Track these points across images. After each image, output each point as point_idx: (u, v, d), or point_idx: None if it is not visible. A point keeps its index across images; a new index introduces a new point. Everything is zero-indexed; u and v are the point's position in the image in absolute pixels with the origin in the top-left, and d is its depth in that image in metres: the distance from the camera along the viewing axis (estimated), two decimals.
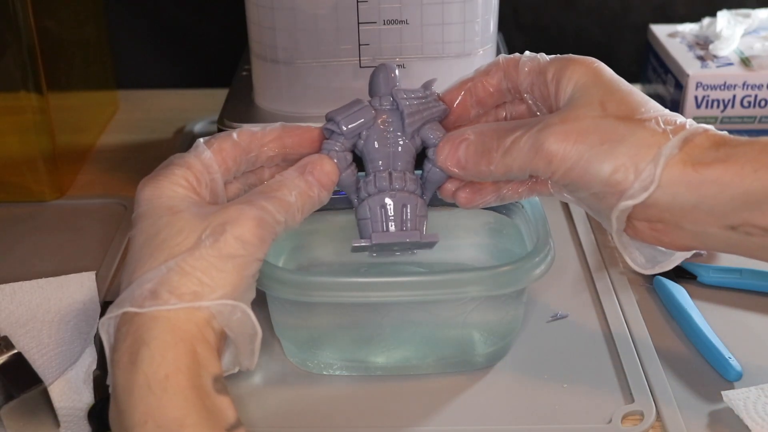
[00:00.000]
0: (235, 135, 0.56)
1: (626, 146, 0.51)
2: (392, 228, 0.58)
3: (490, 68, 0.59)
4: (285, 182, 0.54)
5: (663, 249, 0.56)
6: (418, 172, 0.59)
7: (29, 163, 0.86)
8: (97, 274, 0.74)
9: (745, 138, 0.51)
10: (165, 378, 0.45)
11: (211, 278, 0.48)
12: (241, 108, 0.83)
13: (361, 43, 0.76)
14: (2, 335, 0.64)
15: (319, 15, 0.75)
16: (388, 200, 0.58)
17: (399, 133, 0.58)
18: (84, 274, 0.73)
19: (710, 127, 0.52)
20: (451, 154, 0.56)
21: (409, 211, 0.58)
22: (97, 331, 0.64)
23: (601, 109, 0.52)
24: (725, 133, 0.52)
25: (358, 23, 0.75)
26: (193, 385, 0.45)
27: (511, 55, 0.58)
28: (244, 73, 0.88)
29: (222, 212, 0.50)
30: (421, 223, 0.59)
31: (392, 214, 0.58)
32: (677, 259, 0.56)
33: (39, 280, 0.72)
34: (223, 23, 1.12)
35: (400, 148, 0.58)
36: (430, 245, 0.59)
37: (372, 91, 0.59)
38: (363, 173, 0.59)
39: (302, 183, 0.54)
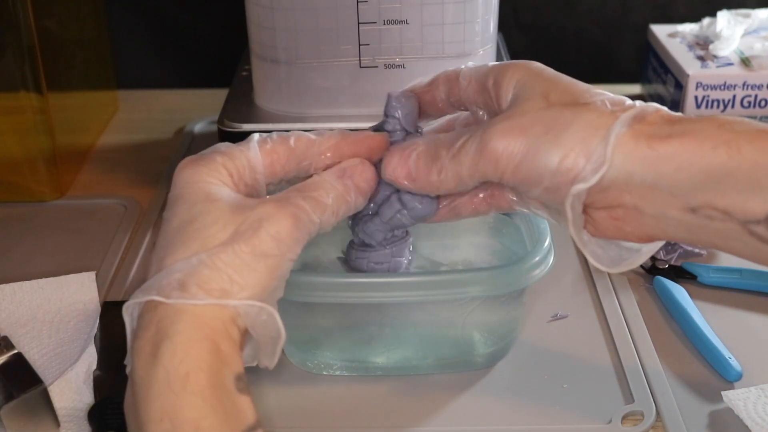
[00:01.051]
0: (292, 141, 0.54)
1: (573, 131, 0.48)
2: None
3: (432, 81, 0.57)
4: (323, 184, 0.52)
5: (628, 245, 0.52)
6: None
7: (29, 163, 0.86)
8: (97, 274, 0.74)
9: (698, 117, 0.49)
10: (185, 375, 0.44)
11: (242, 276, 0.47)
12: (241, 108, 0.83)
13: (361, 43, 0.76)
14: (2, 335, 0.64)
15: (319, 15, 0.75)
16: (383, 257, 0.59)
17: None
18: (84, 274, 0.73)
19: (662, 107, 0.50)
20: (400, 165, 0.54)
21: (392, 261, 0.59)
22: (97, 331, 0.65)
23: (543, 100, 0.50)
24: (673, 112, 0.50)
25: (358, 23, 0.75)
26: (213, 384, 0.45)
27: (453, 69, 0.57)
28: (244, 73, 0.88)
29: (259, 207, 0.49)
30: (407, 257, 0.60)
31: (383, 264, 0.59)
32: (644, 255, 0.52)
33: (39, 280, 0.72)
34: (223, 23, 1.12)
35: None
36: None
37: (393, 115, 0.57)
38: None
39: (340, 186, 0.53)
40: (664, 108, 0.50)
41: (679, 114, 0.49)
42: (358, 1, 0.74)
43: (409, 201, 0.56)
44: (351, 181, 0.54)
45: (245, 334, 0.49)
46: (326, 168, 0.54)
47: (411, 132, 0.56)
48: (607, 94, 0.51)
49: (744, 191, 0.45)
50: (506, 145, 0.49)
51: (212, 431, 0.43)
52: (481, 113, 0.56)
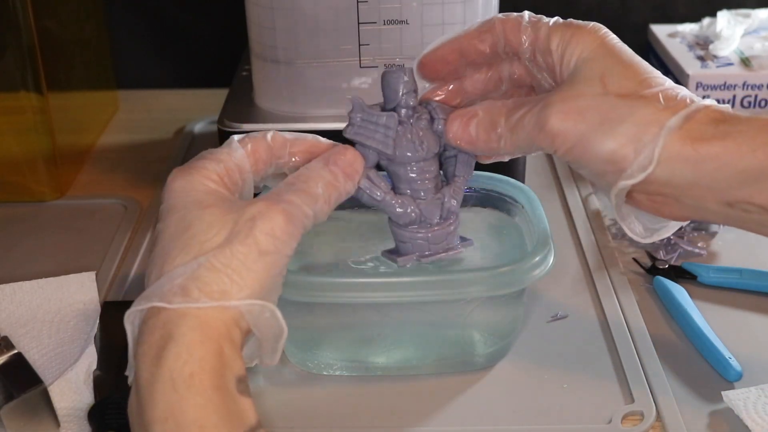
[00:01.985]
0: (269, 137, 0.55)
1: (626, 126, 0.51)
2: (436, 252, 0.59)
3: (483, 31, 0.57)
4: (311, 174, 0.53)
5: (663, 222, 0.56)
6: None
7: (29, 163, 0.86)
8: (97, 274, 0.74)
9: (745, 115, 0.51)
10: (190, 376, 0.44)
11: (241, 277, 0.48)
12: (241, 108, 0.83)
13: (361, 43, 0.76)
14: (2, 335, 0.64)
15: (319, 15, 0.75)
16: (433, 234, 0.58)
17: (422, 135, 0.57)
18: (84, 274, 0.73)
19: (712, 102, 0.52)
20: (461, 131, 0.57)
21: (451, 237, 0.59)
22: (97, 331, 0.65)
23: (601, 85, 0.52)
24: (727, 107, 0.52)
25: (358, 23, 0.75)
26: (216, 385, 0.45)
27: (510, 17, 0.57)
28: (244, 73, 0.88)
29: (251, 207, 0.50)
30: (458, 238, 0.60)
31: (438, 242, 0.59)
32: (674, 226, 0.56)
33: (39, 280, 0.72)
34: (223, 23, 1.12)
35: (430, 155, 0.57)
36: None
37: (391, 98, 0.57)
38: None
39: (328, 174, 0.53)
40: (714, 103, 0.52)
41: (728, 110, 0.51)
42: (358, 1, 0.74)
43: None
44: (337, 167, 0.54)
45: (246, 336, 0.49)
46: (294, 167, 0.55)
47: (414, 106, 0.57)
48: (663, 82, 0.52)
49: None
50: (562, 127, 0.52)
51: (216, 431, 0.44)
52: (533, 70, 0.57)
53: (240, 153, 0.54)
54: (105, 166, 0.96)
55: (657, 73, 0.53)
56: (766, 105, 0.92)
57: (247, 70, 0.87)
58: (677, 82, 0.96)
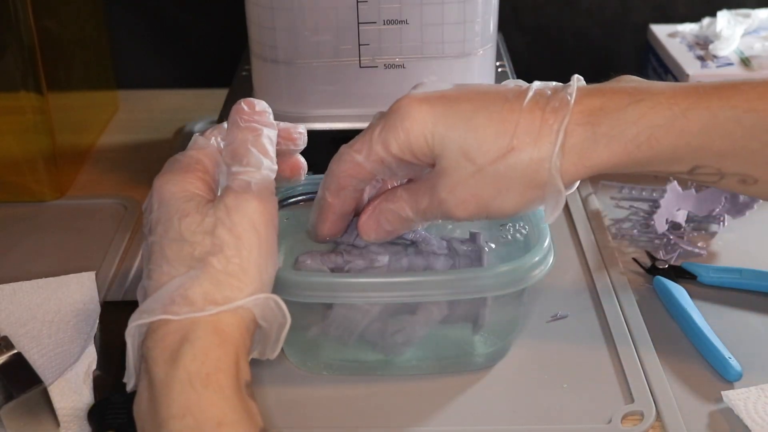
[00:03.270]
0: (225, 125, 0.56)
1: (518, 184, 0.53)
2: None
3: (337, 192, 0.58)
4: (234, 144, 0.54)
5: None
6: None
7: (29, 163, 0.86)
8: (97, 274, 0.74)
9: (617, 99, 0.53)
10: (206, 376, 0.45)
11: (240, 277, 0.49)
12: None
13: (361, 43, 0.76)
14: (2, 335, 0.64)
15: (319, 15, 0.75)
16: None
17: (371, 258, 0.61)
18: (84, 274, 0.73)
19: (573, 92, 0.53)
20: (377, 232, 0.58)
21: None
22: (97, 331, 0.65)
23: (469, 163, 0.53)
24: (575, 88, 0.54)
25: (358, 23, 0.75)
26: (233, 385, 0.46)
27: (343, 168, 0.56)
28: (244, 73, 0.88)
29: (221, 206, 0.51)
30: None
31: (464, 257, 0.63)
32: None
33: (39, 280, 0.72)
34: (223, 23, 1.12)
35: (389, 253, 0.61)
36: None
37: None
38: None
39: (246, 132, 0.54)
40: (574, 94, 0.53)
41: (594, 98, 0.53)
42: (358, 1, 0.74)
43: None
44: (245, 121, 0.55)
45: (253, 338, 0.50)
46: None
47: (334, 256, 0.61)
48: (515, 115, 0.53)
49: (667, 164, 0.54)
50: (468, 212, 0.55)
51: (234, 428, 0.44)
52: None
53: (210, 146, 0.55)
54: (105, 166, 0.96)
55: (500, 100, 0.54)
56: None
57: (247, 70, 0.87)
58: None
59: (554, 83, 0.55)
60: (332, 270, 0.61)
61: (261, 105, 0.56)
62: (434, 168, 0.55)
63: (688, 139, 0.53)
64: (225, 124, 0.56)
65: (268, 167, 0.53)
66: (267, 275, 0.51)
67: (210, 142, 0.55)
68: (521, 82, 0.56)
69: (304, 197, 0.67)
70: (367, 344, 0.63)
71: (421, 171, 0.57)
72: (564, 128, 0.52)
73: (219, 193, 0.54)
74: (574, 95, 0.53)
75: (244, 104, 0.55)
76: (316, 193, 0.60)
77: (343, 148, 0.56)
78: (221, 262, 0.48)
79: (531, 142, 0.52)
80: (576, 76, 0.55)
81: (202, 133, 0.56)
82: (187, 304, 0.47)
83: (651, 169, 0.55)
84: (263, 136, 0.54)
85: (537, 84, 0.55)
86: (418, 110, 0.54)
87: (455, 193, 0.54)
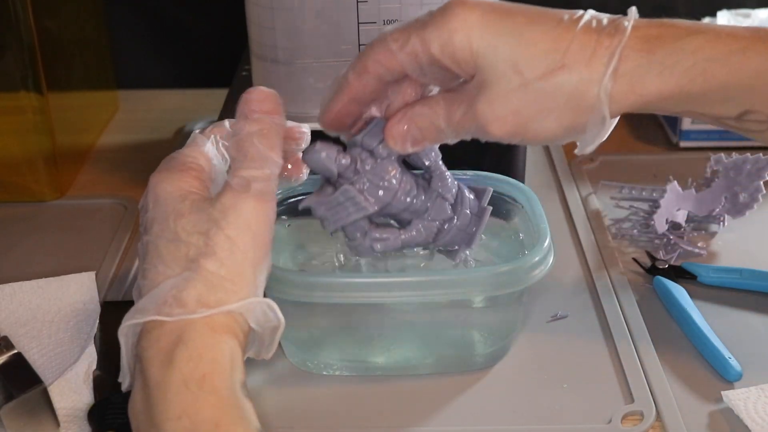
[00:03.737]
0: (227, 124, 0.55)
1: (563, 105, 0.51)
2: (475, 229, 0.61)
3: (360, 74, 0.55)
4: (241, 138, 0.52)
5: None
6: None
7: (29, 163, 0.86)
8: (97, 274, 0.74)
9: (675, 33, 0.52)
10: (202, 377, 0.45)
11: (233, 280, 0.48)
12: None
13: (361, 43, 0.76)
14: (2, 335, 0.64)
15: (319, 15, 0.75)
16: (460, 222, 0.60)
17: (379, 172, 0.57)
18: (84, 274, 0.73)
19: (631, 22, 0.52)
20: (405, 140, 0.55)
21: (471, 206, 0.61)
22: (97, 331, 0.65)
23: (517, 75, 0.51)
24: (627, 23, 0.51)
25: (358, 23, 0.75)
26: (228, 386, 0.46)
27: (374, 50, 0.54)
28: (244, 73, 0.88)
29: (218, 204, 0.50)
30: (474, 199, 0.61)
31: (468, 223, 0.61)
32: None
33: (39, 280, 0.72)
34: (223, 23, 1.12)
35: (398, 176, 0.57)
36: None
37: (328, 174, 0.57)
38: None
39: (253, 125, 0.52)
40: (632, 23, 0.52)
41: (652, 30, 0.52)
42: (358, 1, 0.74)
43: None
44: (254, 112, 0.52)
45: (247, 337, 0.49)
46: None
47: (348, 164, 0.57)
48: (567, 31, 0.51)
49: (717, 103, 0.52)
50: (503, 131, 0.52)
51: (230, 429, 0.44)
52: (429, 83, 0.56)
53: (209, 147, 0.54)
54: (105, 166, 0.96)
55: (554, 19, 0.52)
56: None
57: (247, 70, 0.87)
58: None
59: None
60: (339, 175, 0.57)
61: (270, 94, 0.54)
62: (474, 79, 0.53)
63: (743, 78, 0.51)
64: (226, 122, 0.55)
65: (272, 163, 0.51)
66: (261, 277, 0.50)
67: (208, 140, 0.54)
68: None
69: (304, 197, 0.67)
70: (342, 238, 0.60)
71: (450, 82, 0.55)
72: (619, 51, 0.50)
73: (219, 190, 0.54)
74: (632, 22, 0.51)
75: (252, 94, 0.53)
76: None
77: (381, 33, 0.54)
78: (214, 265, 0.48)
79: (583, 62, 0.50)
80: (633, 8, 0.53)
81: (202, 130, 0.55)
82: (180, 306, 0.47)
83: (699, 109, 0.53)
84: (270, 129, 0.52)
85: (592, 11, 0.53)
86: (470, 14, 0.51)
87: (495, 107, 0.52)
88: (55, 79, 0.86)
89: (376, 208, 0.57)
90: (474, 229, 0.60)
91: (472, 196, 0.61)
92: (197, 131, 0.55)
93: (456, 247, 0.61)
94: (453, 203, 0.59)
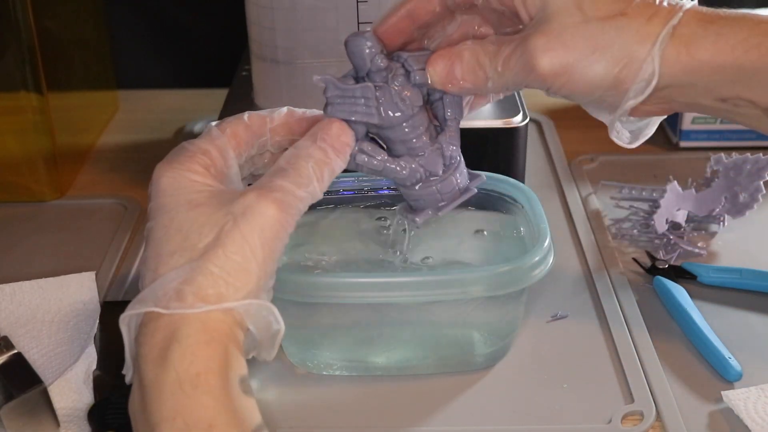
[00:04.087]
0: (246, 118, 0.54)
1: (617, 48, 0.51)
2: (451, 200, 0.59)
3: None
4: (300, 154, 0.52)
5: (645, 120, 0.56)
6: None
7: (29, 163, 0.86)
8: (97, 274, 0.74)
9: (730, 13, 0.52)
10: (196, 376, 0.44)
11: (236, 278, 0.47)
12: (241, 108, 0.81)
13: None
14: (2, 335, 0.64)
15: (319, 15, 0.75)
16: (442, 184, 0.58)
17: (406, 94, 0.55)
18: (84, 274, 0.73)
19: (693, 3, 0.52)
20: (446, 74, 0.55)
21: (460, 179, 0.58)
22: (97, 331, 0.65)
23: (579, 12, 0.51)
24: (705, 8, 0.52)
25: (358, 23, 0.75)
26: (223, 385, 0.45)
27: None
28: (244, 73, 0.88)
29: (241, 200, 0.49)
30: (467, 176, 0.59)
31: (450, 190, 0.58)
32: (648, 134, 0.57)
33: (39, 280, 0.72)
34: (223, 23, 1.12)
35: (416, 109, 0.56)
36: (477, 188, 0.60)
37: (360, 66, 0.56)
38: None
39: (317, 151, 0.52)
40: (694, 4, 0.52)
41: (709, 10, 0.52)
42: (358, 1, 0.74)
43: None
44: (325, 143, 0.53)
45: (246, 333, 0.49)
46: (277, 144, 0.55)
47: (385, 66, 0.55)
48: None
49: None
50: (552, 66, 0.51)
51: (225, 429, 0.44)
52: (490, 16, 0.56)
53: (222, 139, 0.53)
54: (105, 166, 0.96)
55: None
56: None
57: (247, 70, 0.87)
58: None
59: None
60: (368, 73, 0.55)
61: (348, 135, 0.54)
62: (533, 21, 0.53)
63: None
64: (245, 116, 0.54)
65: (310, 191, 0.51)
66: (264, 282, 0.49)
67: (224, 133, 0.53)
68: None
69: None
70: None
71: (510, 25, 0.55)
72: (681, 14, 0.51)
73: (234, 187, 0.53)
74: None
75: (335, 125, 0.54)
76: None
77: None
78: (220, 258, 0.47)
79: (645, 15, 0.51)
80: None
81: (218, 123, 0.54)
82: (178, 299, 0.46)
83: (749, 94, 0.51)
84: (328, 165, 0.52)
85: None
86: None
87: (549, 38, 0.51)
88: (55, 79, 0.86)
89: (381, 122, 0.55)
90: (450, 200, 0.59)
91: (467, 175, 0.60)
92: (212, 123, 0.54)
93: (424, 208, 0.59)
94: (447, 165, 0.58)
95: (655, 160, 0.94)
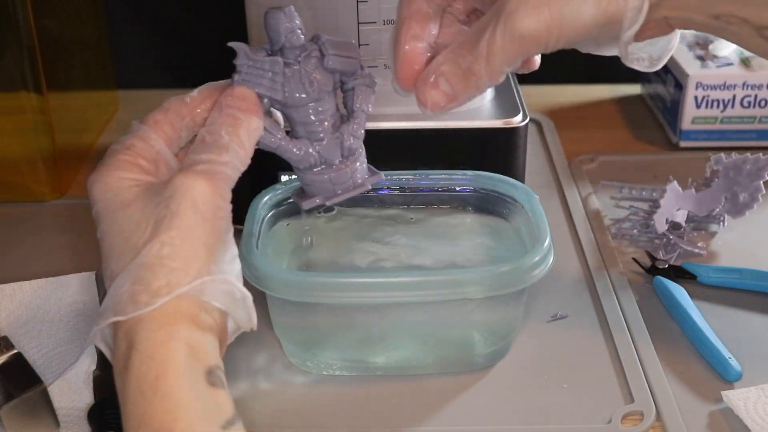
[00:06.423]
0: (165, 104, 0.54)
1: None
2: (342, 192, 0.58)
3: (409, 6, 0.55)
4: (211, 128, 0.52)
5: (656, 45, 0.54)
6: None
7: (29, 163, 0.86)
8: (97, 274, 0.74)
9: None
10: (155, 380, 0.44)
11: (181, 261, 0.46)
12: None
13: (361, 43, 0.76)
14: (2, 335, 0.64)
15: (319, 15, 0.75)
16: (336, 174, 0.57)
17: (315, 76, 0.55)
18: (84, 274, 0.73)
19: None
20: (435, 94, 0.53)
21: (357, 173, 0.57)
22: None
23: None
24: None
25: (358, 23, 0.75)
26: (183, 384, 0.44)
27: None
28: None
29: (168, 185, 0.49)
30: (366, 172, 0.58)
31: (343, 182, 0.57)
32: (670, 49, 0.55)
33: (39, 280, 0.72)
34: (223, 23, 1.12)
35: (324, 94, 0.55)
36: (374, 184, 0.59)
37: (275, 40, 0.55)
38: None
39: (226, 118, 0.52)
40: None
41: None
42: (358, 1, 0.74)
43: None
44: (231, 108, 0.52)
45: (224, 313, 0.48)
46: (205, 121, 0.54)
47: (301, 44, 0.55)
48: None
49: (761, 4, 0.49)
50: (540, 24, 0.50)
51: (190, 430, 0.43)
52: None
53: (144, 131, 0.53)
54: None
55: None
56: (766, 105, 0.92)
57: None
58: (677, 82, 0.96)
59: None
60: (281, 48, 0.55)
61: (250, 95, 0.54)
62: None
63: None
64: (165, 103, 0.54)
65: (233, 153, 0.50)
66: (217, 256, 0.48)
67: (147, 126, 0.53)
68: None
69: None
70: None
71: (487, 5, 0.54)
72: None
73: None
74: None
75: (235, 90, 0.53)
76: None
77: None
78: (156, 246, 0.47)
79: None
80: None
81: (143, 119, 0.54)
82: (133, 302, 0.46)
83: (741, 11, 0.49)
84: (241, 126, 0.52)
85: None
86: None
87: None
88: (55, 79, 0.86)
89: (284, 99, 0.55)
90: (342, 191, 0.58)
91: (366, 171, 0.59)
92: (135, 121, 0.55)
93: (314, 195, 0.58)
94: (345, 156, 0.57)
95: (655, 160, 0.94)
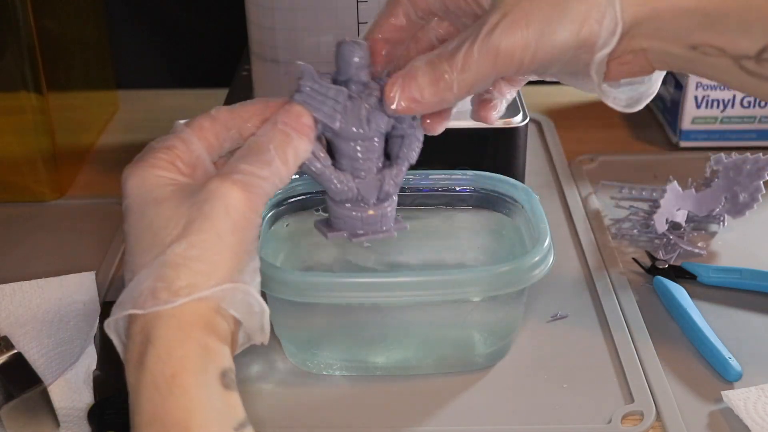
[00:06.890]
0: (213, 112, 0.54)
1: (575, 5, 0.50)
2: (368, 233, 0.57)
3: (392, 6, 0.56)
4: (259, 139, 0.51)
5: (638, 83, 0.54)
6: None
7: (29, 163, 0.86)
8: (97, 274, 0.74)
9: None
10: (172, 377, 0.44)
11: (206, 264, 0.46)
12: None
13: None
14: (2, 335, 0.64)
15: (319, 15, 0.75)
16: (368, 216, 0.57)
17: (370, 113, 0.55)
18: (84, 274, 0.73)
19: None
20: (404, 92, 0.53)
21: (386, 219, 0.57)
22: (97, 331, 0.65)
23: None
24: None
25: (358, 23, 0.75)
26: (200, 384, 0.44)
27: None
28: (244, 73, 0.88)
29: (204, 189, 0.48)
30: (393, 221, 0.58)
31: (371, 224, 0.57)
32: (654, 86, 0.55)
33: (39, 280, 0.72)
34: (223, 23, 1.12)
35: (376, 134, 0.55)
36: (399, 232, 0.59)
37: (343, 71, 0.55)
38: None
39: (277, 133, 0.51)
40: None
41: None
42: (358, 1, 0.74)
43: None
44: (286, 125, 0.52)
45: (237, 322, 0.49)
46: (252, 135, 0.53)
47: (366, 82, 0.55)
48: None
49: (736, 31, 0.49)
50: (516, 40, 0.50)
51: (202, 430, 0.43)
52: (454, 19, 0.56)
53: (186, 133, 0.53)
54: (105, 166, 0.96)
55: None
56: (766, 105, 0.92)
57: (247, 70, 0.87)
58: (677, 82, 0.96)
59: None
60: (347, 80, 0.54)
61: (308, 117, 0.53)
62: (489, 6, 0.52)
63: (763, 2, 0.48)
64: (213, 111, 0.54)
65: (275, 170, 0.50)
66: (242, 265, 0.48)
67: (190, 128, 0.53)
68: None
69: (304, 197, 0.67)
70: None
71: (467, 21, 0.54)
72: None
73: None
74: None
75: (294, 107, 0.53)
76: (315, 193, 0.59)
77: None
78: (186, 248, 0.46)
79: None
80: None
81: (187, 121, 0.54)
82: (153, 297, 0.46)
83: (716, 41, 0.49)
84: (290, 145, 0.52)
85: None
86: None
87: (508, 15, 0.50)
88: (55, 79, 0.86)
89: (339, 130, 0.54)
90: (367, 232, 0.57)
91: (394, 218, 0.58)
92: (180, 121, 0.54)
93: (341, 229, 0.58)
94: (380, 199, 0.57)
95: (655, 160, 0.94)
